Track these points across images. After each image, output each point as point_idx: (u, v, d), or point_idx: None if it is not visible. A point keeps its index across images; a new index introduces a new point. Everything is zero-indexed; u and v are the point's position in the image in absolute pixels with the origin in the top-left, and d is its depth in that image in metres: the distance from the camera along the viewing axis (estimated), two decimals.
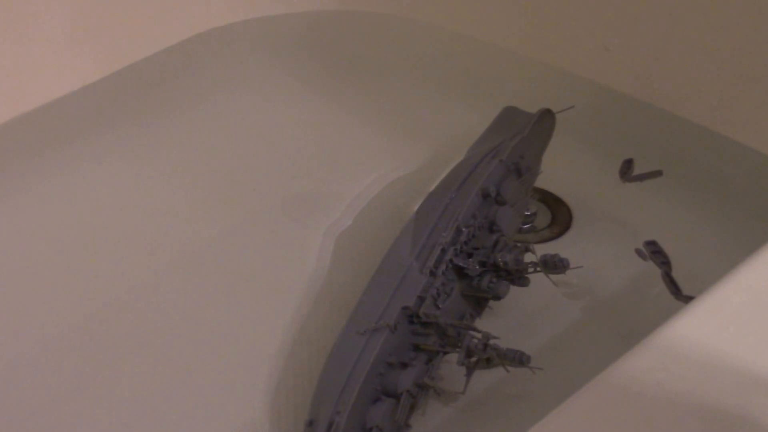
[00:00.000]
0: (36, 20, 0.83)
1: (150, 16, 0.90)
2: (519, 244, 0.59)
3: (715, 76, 0.74)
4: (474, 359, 0.54)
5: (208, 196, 0.74)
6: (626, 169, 0.70)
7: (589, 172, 0.74)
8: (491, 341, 0.53)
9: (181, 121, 0.83)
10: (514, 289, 0.58)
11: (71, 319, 0.64)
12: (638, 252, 0.63)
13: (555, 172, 0.71)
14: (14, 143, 0.80)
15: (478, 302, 0.59)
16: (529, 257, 0.58)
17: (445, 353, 0.55)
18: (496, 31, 0.87)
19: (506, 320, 0.60)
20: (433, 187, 0.64)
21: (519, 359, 0.52)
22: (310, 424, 0.51)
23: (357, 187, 0.73)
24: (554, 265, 0.56)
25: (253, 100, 0.86)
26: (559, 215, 0.70)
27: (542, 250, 0.59)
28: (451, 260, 0.56)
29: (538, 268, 0.57)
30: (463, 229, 0.58)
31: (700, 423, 0.40)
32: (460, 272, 0.57)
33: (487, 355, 0.53)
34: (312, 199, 0.73)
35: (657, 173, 0.69)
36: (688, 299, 0.54)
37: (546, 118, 0.68)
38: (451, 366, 0.55)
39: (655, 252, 0.62)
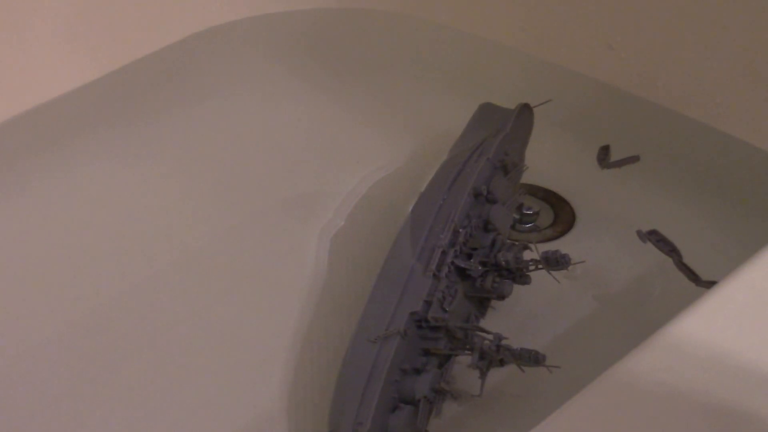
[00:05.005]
0: (34, 19, 0.82)
1: (149, 15, 0.89)
2: (517, 243, 0.58)
3: (719, 75, 0.75)
4: (487, 361, 0.53)
5: (207, 195, 0.74)
6: (603, 156, 0.70)
7: (591, 171, 0.74)
8: (503, 342, 0.53)
9: (180, 119, 0.82)
10: (515, 288, 0.58)
11: (71, 318, 0.63)
12: (639, 234, 0.63)
13: (557, 171, 0.71)
14: (13, 142, 0.79)
15: (481, 303, 0.59)
16: (528, 255, 0.58)
17: (456, 356, 0.55)
18: (498, 28, 0.87)
19: (510, 319, 0.60)
20: (424, 185, 0.64)
21: (534, 359, 0.52)
22: None
23: (355, 185, 0.73)
24: (556, 261, 0.56)
25: (253, 99, 0.85)
26: (562, 214, 0.70)
27: (546, 249, 0.59)
28: (452, 262, 0.56)
29: (540, 266, 0.56)
30: (460, 230, 0.58)
31: (705, 421, 0.40)
32: (462, 273, 0.57)
33: (500, 356, 0.52)
34: (312, 198, 0.73)
35: (634, 159, 0.69)
36: (709, 284, 0.53)
37: (524, 113, 0.68)
38: (459, 366, 0.56)
39: (659, 241, 0.62)
